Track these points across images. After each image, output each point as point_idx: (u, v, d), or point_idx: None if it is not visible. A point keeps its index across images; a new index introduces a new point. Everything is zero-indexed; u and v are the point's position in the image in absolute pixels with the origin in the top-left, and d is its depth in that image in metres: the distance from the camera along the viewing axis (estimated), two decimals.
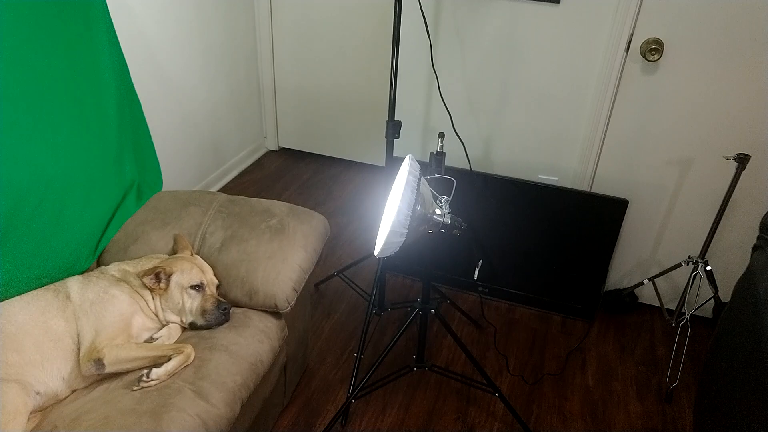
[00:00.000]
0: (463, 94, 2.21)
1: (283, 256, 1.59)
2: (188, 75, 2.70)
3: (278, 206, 1.75)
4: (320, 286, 2.41)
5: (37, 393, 1.27)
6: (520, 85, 2.14)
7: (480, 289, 2.40)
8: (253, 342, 1.48)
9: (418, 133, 2.36)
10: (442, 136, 1.66)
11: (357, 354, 1.90)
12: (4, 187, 1.39)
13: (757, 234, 0.98)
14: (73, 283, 1.45)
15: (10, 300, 1.38)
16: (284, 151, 3.60)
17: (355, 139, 3.40)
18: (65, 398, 1.32)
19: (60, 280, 1.48)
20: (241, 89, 3.18)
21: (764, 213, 2.00)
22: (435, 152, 1.62)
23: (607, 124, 2.09)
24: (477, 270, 2.17)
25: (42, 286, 1.45)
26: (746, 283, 0.95)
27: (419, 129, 2.35)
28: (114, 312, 1.41)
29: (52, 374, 1.30)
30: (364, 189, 3.22)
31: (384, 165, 3.42)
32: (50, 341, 1.32)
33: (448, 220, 1.33)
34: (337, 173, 3.37)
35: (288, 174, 3.33)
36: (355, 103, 3.28)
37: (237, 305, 1.58)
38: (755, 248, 0.98)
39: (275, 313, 1.59)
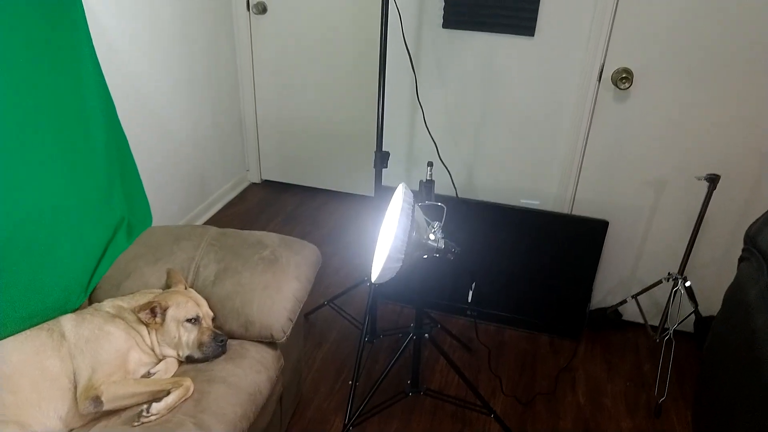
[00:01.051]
0: (446, 123, 2.29)
1: (277, 287, 1.61)
2: (172, 110, 2.73)
3: (270, 237, 1.77)
4: (310, 316, 2.42)
5: None
6: (500, 114, 2.22)
7: (468, 313, 2.43)
8: (251, 373, 1.48)
9: (402, 162, 2.42)
10: (430, 164, 1.71)
11: (352, 382, 1.91)
12: (11, 225, 1.39)
13: (742, 246, 1.05)
14: (67, 322, 1.44)
15: (3, 340, 1.36)
16: (267, 183, 3.63)
17: (338, 170, 3.46)
18: None
19: (53, 318, 1.47)
20: (223, 122, 3.22)
21: (737, 228, 2.10)
22: (425, 180, 1.67)
23: (584, 149, 2.19)
24: (471, 293, 2.21)
25: (35, 326, 1.44)
26: (736, 290, 1.01)
27: (404, 158, 2.41)
28: (110, 349, 1.40)
29: (49, 414, 1.28)
30: (349, 219, 3.26)
31: (368, 194, 3.47)
32: (46, 381, 1.31)
33: (441, 244, 1.38)
34: (321, 204, 3.41)
35: (272, 206, 3.36)
36: (336, 134, 3.35)
37: (233, 337, 1.59)
38: (741, 259, 1.05)
39: (271, 344, 1.60)
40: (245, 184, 3.59)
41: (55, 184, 1.57)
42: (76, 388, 1.33)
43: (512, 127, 2.23)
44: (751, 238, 1.00)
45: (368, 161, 3.36)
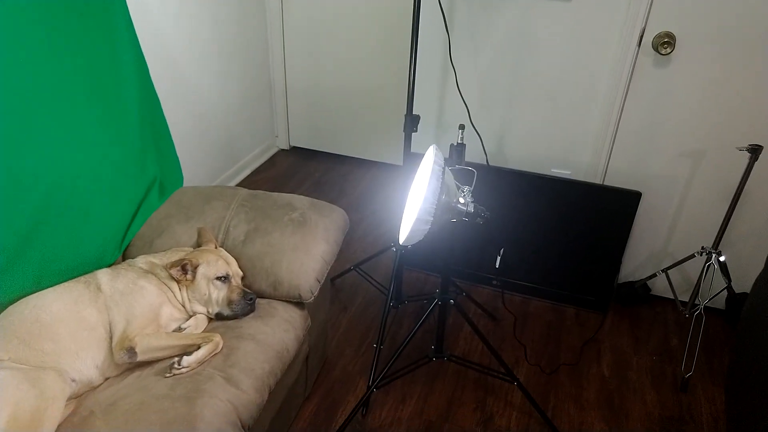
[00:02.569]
0: (477, 89, 2.24)
1: (306, 248, 1.62)
2: (202, 75, 2.74)
3: (299, 200, 1.78)
4: (336, 281, 2.44)
5: (73, 380, 1.30)
6: (533, 80, 2.17)
7: (494, 282, 2.42)
8: (278, 331, 1.51)
9: (432, 128, 2.39)
10: (462, 127, 1.69)
11: (376, 345, 1.93)
12: (35, 183, 1.43)
13: None
14: (103, 275, 1.48)
15: (43, 291, 1.41)
16: (295, 150, 3.63)
17: (366, 137, 3.44)
18: (99, 385, 1.35)
19: (89, 272, 1.52)
20: (253, 89, 3.22)
21: None
22: (456, 143, 1.65)
23: (620, 118, 2.12)
24: (499, 258, 2.19)
25: (73, 278, 1.48)
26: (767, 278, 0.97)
27: (433, 125, 2.38)
28: (143, 303, 1.44)
29: (87, 362, 1.33)
30: (376, 186, 3.25)
31: (394, 163, 3.45)
32: (84, 330, 1.35)
33: (471, 208, 1.36)
34: (348, 171, 3.41)
35: (300, 172, 3.37)
36: (365, 102, 3.32)
37: (262, 296, 1.61)
38: None
39: (299, 304, 1.63)
40: (274, 150, 3.60)
41: (91, 144, 1.60)
42: (111, 338, 1.37)
43: (545, 93, 2.18)
44: None
45: (397, 129, 3.33)
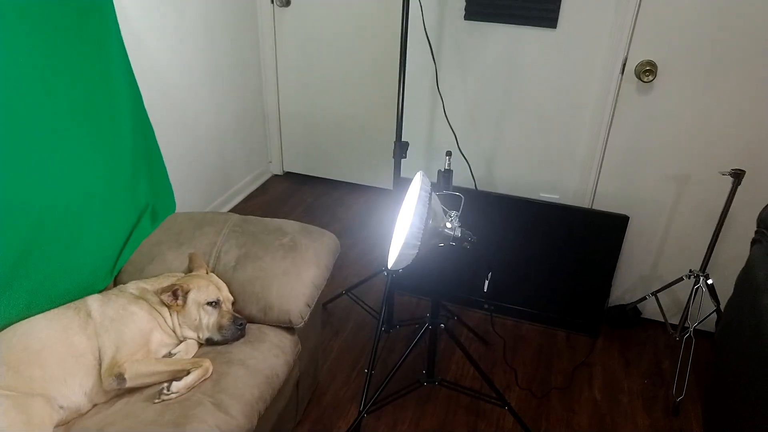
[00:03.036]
0: (466, 115, 2.29)
1: (296, 273, 1.64)
2: (195, 101, 2.78)
3: (290, 225, 1.80)
4: (328, 306, 2.45)
5: (61, 407, 1.30)
6: (521, 106, 2.21)
7: (485, 306, 2.43)
8: (268, 356, 1.51)
9: (421, 154, 2.43)
10: (449, 154, 1.72)
11: (368, 370, 1.93)
12: (26, 209, 1.44)
13: (755, 229, 1.04)
14: (93, 302, 1.49)
15: (33, 318, 1.41)
16: (288, 175, 3.66)
17: (358, 163, 3.48)
18: (87, 412, 1.34)
19: (80, 298, 1.52)
20: (246, 115, 3.27)
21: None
22: (443, 170, 1.68)
23: (606, 143, 2.17)
24: (487, 282, 2.21)
25: (63, 305, 1.49)
26: (746, 273, 1.00)
27: (422, 150, 2.42)
28: (133, 328, 1.44)
29: (75, 389, 1.33)
30: (368, 211, 3.28)
31: (386, 187, 3.48)
32: (73, 357, 1.35)
33: (458, 233, 1.39)
34: (340, 196, 3.44)
35: (293, 197, 3.39)
36: (357, 128, 3.37)
37: (252, 321, 1.62)
38: (754, 242, 1.04)
39: (289, 329, 1.63)
40: (267, 176, 3.63)
41: (83, 170, 1.62)
42: (100, 365, 1.37)
43: (533, 119, 2.22)
44: (763, 221, 0.99)
45: (388, 154, 3.37)
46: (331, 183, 3.58)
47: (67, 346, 1.36)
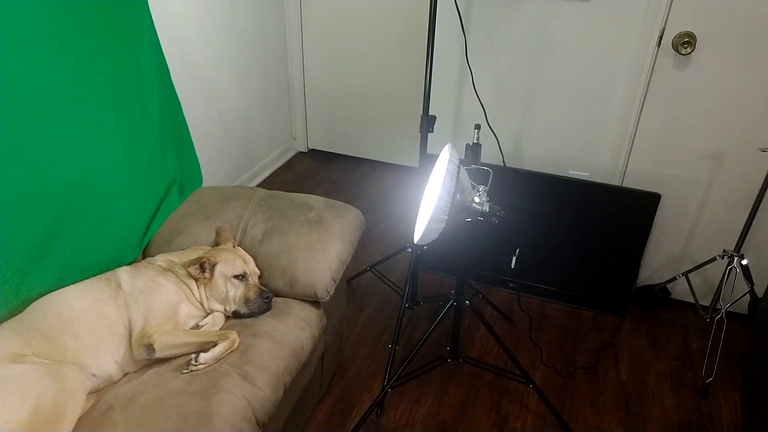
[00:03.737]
0: (495, 89, 2.23)
1: (322, 247, 1.63)
2: (221, 77, 2.77)
3: (316, 200, 1.79)
4: (352, 282, 2.45)
5: (93, 375, 1.32)
6: (551, 81, 2.15)
7: (510, 284, 2.40)
8: (294, 329, 1.51)
9: (448, 129, 2.38)
10: (478, 127, 1.68)
11: (391, 345, 1.93)
12: (57, 181, 1.45)
13: None
14: (123, 273, 1.51)
15: (65, 288, 1.44)
16: (313, 153, 3.65)
17: (383, 140, 3.44)
18: (118, 380, 1.37)
19: (110, 270, 1.54)
20: (271, 91, 3.25)
21: None
22: (472, 143, 1.64)
23: (639, 119, 2.09)
24: (514, 258, 2.18)
25: (94, 276, 1.51)
26: None
27: (450, 126, 2.37)
28: (162, 300, 1.45)
29: (107, 358, 1.35)
30: (392, 188, 3.25)
31: (411, 165, 3.45)
32: (104, 327, 1.37)
33: (486, 208, 1.36)
34: (364, 173, 3.41)
35: (317, 174, 3.38)
36: (382, 104, 3.32)
37: (278, 295, 1.62)
38: None
39: (315, 303, 1.63)
40: (292, 153, 3.62)
41: (113, 143, 1.62)
42: (131, 335, 1.39)
43: (563, 94, 2.16)
44: None
45: (413, 132, 3.32)
46: (355, 160, 3.56)
47: (99, 316, 1.38)
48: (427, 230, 1.27)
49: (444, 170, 1.24)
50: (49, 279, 1.44)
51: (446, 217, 1.25)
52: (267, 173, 3.35)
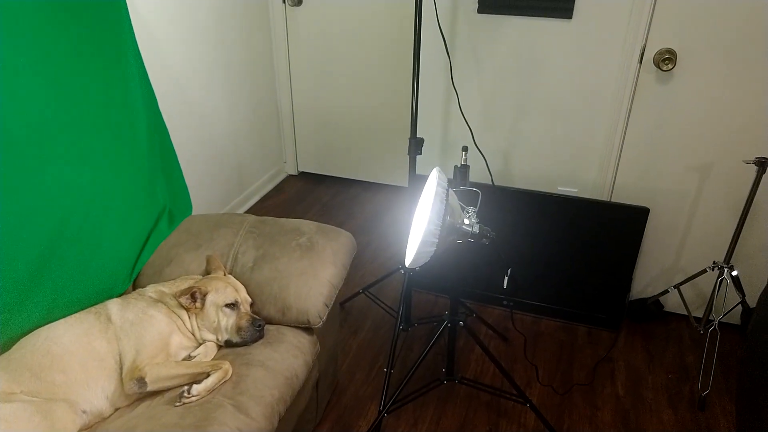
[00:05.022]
0: (481, 109, 2.26)
1: (314, 273, 1.62)
2: (209, 102, 2.78)
3: (307, 225, 1.79)
4: (345, 305, 2.44)
5: (83, 411, 1.30)
6: (537, 99, 2.18)
7: (504, 302, 2.40)
8: (287, 357, 1.50)
9: (436, 151, 2.40)
10: (465, 149, 1.69)
11: (387, 369, 1.91)
12: (46, 215, 1.45)
13: None
14: (113, 306, 1.49)
15: (54, 323, 1.42)
16: (303, 175, 3.66)
17: (373, 161, 3.46)
18: (109, 416, 1.34)
19: (99, 303, 1.52)
20: (260, 115, 3.26)
21: None
22: (459, 165, 1.65)
23: (624, 134, 2.12)
24: (506, 279, 2.18)
25: (83, 309, 1.49)
26: None
27: (437, 147, 2.39)
28: (153, 332, 1.44)
29: (97, 393, 1.33)
30: (383, 209, 3.26)
31: (401, 185, 3.46)
32: (94, 361, 1.35)
33: (476, 229, 1.36)
34: (356, 194, 3.42)
35: (308, 197, 3.38)
36: (372, 125, 3.35)
37: (270, 322, 1.61)
38: None
39: (308, 329, 1.62)
40: (282, 176, 3.63)
41: (101, 174, 1.62)
42: (121, 369, 1.37)
43: (549, 112, 2.18)
44: None
45: (402, 152, 3.34)
46: (346, 182, 3.56)
47: (89, 351, 1.37)
48: (418, 253, 1.27)
49: (433, 194, 1.25)
50: (38, 314, 1.42)
51: (437, 240, 1.25)
52: (257, 197, 3.35)
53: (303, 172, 3.68)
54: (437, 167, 1.37)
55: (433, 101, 2.30)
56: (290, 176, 3.65)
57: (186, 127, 2.63)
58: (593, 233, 2.16)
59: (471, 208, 1.39)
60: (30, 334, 1.38)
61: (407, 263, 1.37)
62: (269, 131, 3.40)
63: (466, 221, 1.39)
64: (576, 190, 2.28)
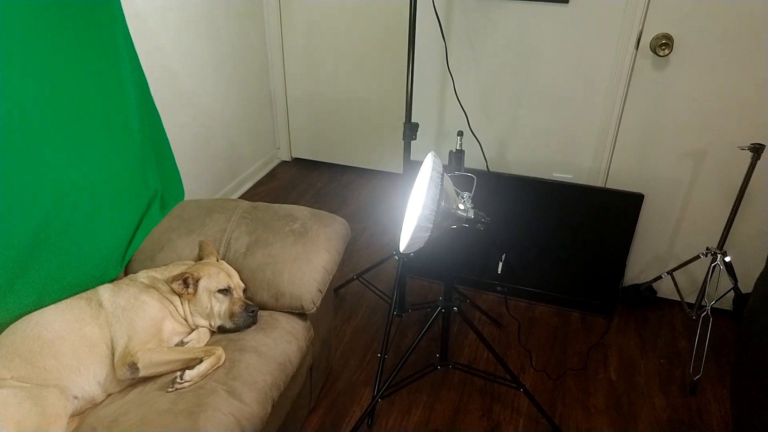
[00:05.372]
0: (477, 95, 2.24)
1: (307, 258, 1.61)
2: (202, 88, 2.75)
3: (300, 210, 1.78)
4: (339, 291, 2.43)
5: (75, 397, 1.29)
6: (533, 85, 2.16)
7: (498, 288, 2.41)
8: (281, 342, 1.49)
9: (431, 135, 2.39)
10: (460, 134, 1.68)
11: (381, 354, 1.92)
12: (38, 198, 1.43)
13: None
14: (105, 291, 1.48)
15: (45, 308, 1.41)
16: (297, 161, 3.64)
17: (367, 147, 3.44)
18: (101, 402, 1.34)
19: (91, 288, 1.51)
20: (253, 101, 3.23)
21: None
22: (455, 150, 1.64)
23: (620, 120, 2.11)
24: (501, 264, 2.18)
25: (74, 295, 1.48)
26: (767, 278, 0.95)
27: (433, 132, 2.37)
28: (145, 317, 1.43)
29: (89, 379, 1.32)
30: (377, 195, 3.25)
31: (396, 172, 3.45)
32: (86, 347, 1.35)
33: (471, 214, 1.35)
34: (349, 181, 3.40)
35: (302, 183, 3.37)
36: (366, 112, 3.32)
37: (264, 308, 1.60)
38: None
39: (301, 315, 1.61)
40: (276, 162, 3.60)
41: (93, 160, 1.60)
42: (113, 355, 1.36)
43: (545, 97, 2.17)
44: None
45: (396, 138, 3.32)
46: (339, 168, 3.55)
47: (80, 336, 1.36)
48: (412, 239, 1.27)
49: (428, 178, 1.24)
50: (28, 300, 1.41)
51: (431, 225, 1.24)
52: (250, 183, 3.33)
53: (296, 158, 3.66)
54: (432, 152, 1.36)
55: (428, 86, 2.28)
56: (283, 162, 3.63)
57: (178, 114, 2.60)
58: (588, 219, 2.17)
59: (466, 194, 1.38)
60: (20, 320, 1.37)
61: (402, 248, 1.37)
62: (262, 117, 3.37)
63: (461, 206, 1.38)
64: (571, 176, 2.28)
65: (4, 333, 1.34)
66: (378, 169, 3.50)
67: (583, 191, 2.14)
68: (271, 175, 3.47)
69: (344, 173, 3.49)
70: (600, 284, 2.28)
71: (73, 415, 1.28)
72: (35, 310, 1.40)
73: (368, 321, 2.27)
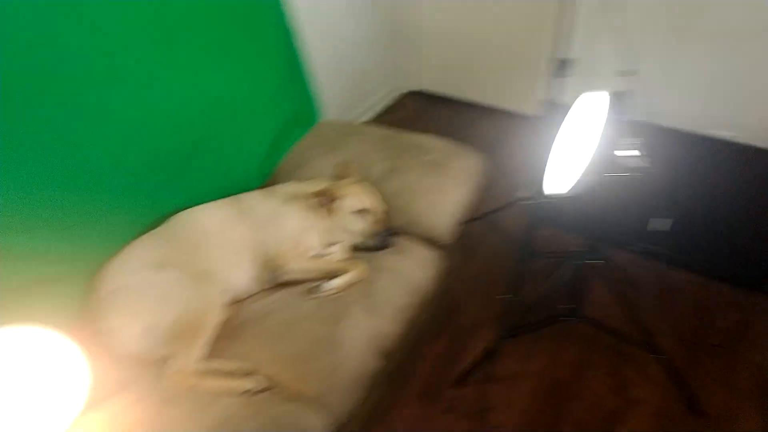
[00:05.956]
0: (636, 30, 2.01)
1: (445, 190, 1.63)
2: (338, 12, 2.71)
3: (437, 142, 1.78)
4: (464, 228, 2.40)
5: (228, 289, 1.42)
6: (708, 18, 1.89)
7: (639, 248, 2.24)
8: (416, 268, 1.53)
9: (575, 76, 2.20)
10: (626, 73, 1.53)
11: (507, 296, 1.89)
12: (203, 111, 1.55)
13: None
14: (251, 199, 1.58)
15: (200, 206, 1.53)
16: (421, 94, 3.57)
17: (497, 83, 3.28)
18: (248, 298, 1.44)
19: (234, 195, 1.60)
20: (385, 28, 3.18)
21: None
22: (619, 92, 1.49)
23: None
24: (655, 222, 1.98)
25: (221, 198, 1.58)
26: None
27: (578, 71, 2.19)
28: (287, 227, 1.52)
29: (239, 275, 1.45)
30: (502, 136, 3.12)
31: (524, 112, 3.27)
32: (235, 246, 1.47)
33: (634, 163, 1.25)
34: (473, 119, 3.30)
35: (426, 117, 3.32)
36: (502, 46, 3.15)
37: (399, 233, 1.61)
38: None
39: (434, 244, 1.63)
40: (399, 92, 3.56)
41: (238, 78, 1.69)
42: (259, 257, 1.46)
43: (725, 35, 1.90)
44: None
45: (531, 77, 3.12)
46: (465, 104, 3.44)
47: (230, 236, 1.49)
48: (578, 182, 1.20)
49: (604, 120, 1.14)
50: (180, 197, 1.54)
51: (601, 169, 1.16)
52: (371, 113, 3.33)
53: (421, 90, 3.59)
54: (605, 91, 1.25)
55: (580, 19, 2.07)
56: (407, 94, 3.58)
57: (310, 38, 2.59)
58: (750, 185, 1.93)
59: (638, 140, 1.26)
60: (179, 213, 1.51)
61: (551, 190, 1.30)
62: (393, 45, 3.32)
63: (627, 153, 1.27)
64: (734, 134, 2.02)
65: (164, 224, 1.48)
66: (506, 108, 3.33)
67: (752, 153, 1.90)
68: (396, 106, 3.46)
69: (471, 110, 3.39)
70: (753, 257, 2.05)
71: (225, 304, 1.39)
72: (185, 208, 1.52)
73: (492, 263, 2.25)
